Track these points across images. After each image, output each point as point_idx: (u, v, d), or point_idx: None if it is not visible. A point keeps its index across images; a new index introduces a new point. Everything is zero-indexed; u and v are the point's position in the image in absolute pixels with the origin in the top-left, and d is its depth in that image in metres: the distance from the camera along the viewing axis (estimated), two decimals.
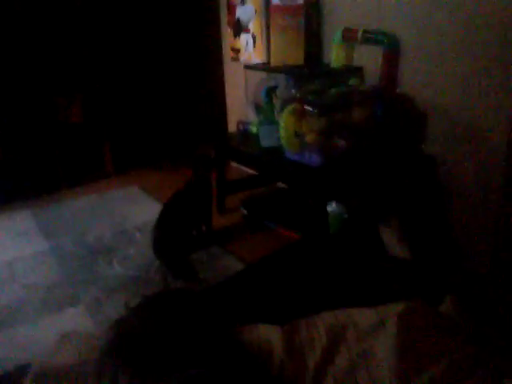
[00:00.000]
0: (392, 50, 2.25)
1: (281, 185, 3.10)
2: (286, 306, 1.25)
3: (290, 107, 2.14)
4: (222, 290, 1.41)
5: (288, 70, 2.62)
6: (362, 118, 2.21)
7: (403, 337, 0.87)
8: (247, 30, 3.13)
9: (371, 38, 2.30)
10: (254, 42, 3.09)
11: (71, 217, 2.99)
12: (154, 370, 0.81)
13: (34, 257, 2.49)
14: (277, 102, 2.47)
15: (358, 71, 2.50)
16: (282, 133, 2.17)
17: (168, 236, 2.23)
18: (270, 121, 2.42)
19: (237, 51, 3.28)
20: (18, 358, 1.35)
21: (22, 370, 1.13)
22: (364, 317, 0.98)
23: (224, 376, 0.77)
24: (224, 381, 0.76)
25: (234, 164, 3.35)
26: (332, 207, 2.42)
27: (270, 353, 0.97)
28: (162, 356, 0.82)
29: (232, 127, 3.39)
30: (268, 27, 2.75)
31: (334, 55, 2.50)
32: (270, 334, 1.04)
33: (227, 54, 3.46)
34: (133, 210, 3.04)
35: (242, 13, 3.13)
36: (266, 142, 2.44)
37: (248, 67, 2.98)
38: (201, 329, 0.91)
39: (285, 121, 2.14)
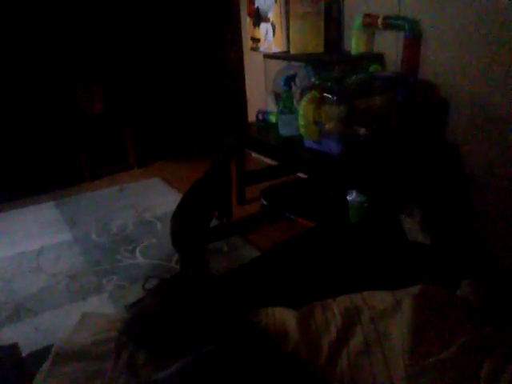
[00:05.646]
0: (413, 35, 2.20)
1: (301, 175, 3.09)
2: (303, 291, 1.24)
3: (308, 94, 2.12)
4: (238, 274, 1.42)
5: (307, 58, 2.59)
6: (383, 105, 2.17)
7: (418, 318, 0.86)
8: (267, 20, 3.12)
9: (392, 23, 2.25)
10: (274, 31, 3.08)
11: (94, 208, 3.05)
12: (168, 349, 0.83)
13: (59, 246, 2.55)
14: (296, 91, 2.45)
15: (378, 58, 2.46)
16: (301, 121, 2.14)
17: (185, 226, 2.23)
18: (289, 110, 2.40)
19: (257, 41, 3.27)
20: (43, 342, 1.39)
21: (45, 350, 1.16)
22: (380, 299, 0.97)
23: (235, 353, 0.77)
24: (235, 358, 0.77)
25: (253, 154, 3.34)
26: (352, 196, 2.40)
27: (286, 334, 0.98)
28: (176, 336, 0.83)
29: (252, 117, 3.39)
30: (287, 16, 2.73)
31: (354, 42, 2.47)
32: (285, 317, 1.04)
33: (247, 43, 3.46)
34: (154, 200, 3.08)
35: (261, 2, 3.12)
36: (285, 131, 2.43)
37: (268, 56, 2.96)
38: (214, 310, 0.92)
39: (304, 109, 2.11)
